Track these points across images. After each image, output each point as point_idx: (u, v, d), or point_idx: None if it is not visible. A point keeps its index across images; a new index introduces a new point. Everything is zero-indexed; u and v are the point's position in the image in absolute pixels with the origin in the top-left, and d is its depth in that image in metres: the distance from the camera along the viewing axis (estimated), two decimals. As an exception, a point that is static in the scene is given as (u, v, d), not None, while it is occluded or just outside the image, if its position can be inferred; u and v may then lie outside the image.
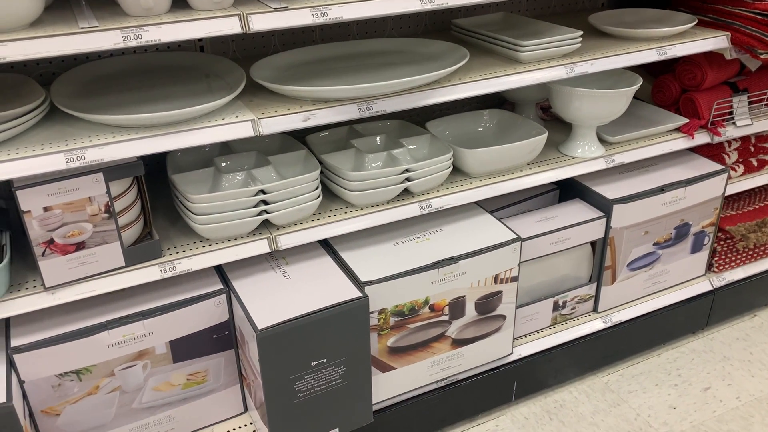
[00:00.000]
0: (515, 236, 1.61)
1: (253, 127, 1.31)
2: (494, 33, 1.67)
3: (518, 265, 1.63)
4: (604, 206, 1.81)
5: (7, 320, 1.35)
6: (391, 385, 1.59)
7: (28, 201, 1.19)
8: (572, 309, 1.89)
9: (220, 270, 1.50)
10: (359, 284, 1.44)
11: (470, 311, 1.61)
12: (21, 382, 1.28)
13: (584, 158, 1.78)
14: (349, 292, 1.42)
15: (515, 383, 1.81)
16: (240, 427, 1.55)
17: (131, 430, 1.45)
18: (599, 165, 1.79)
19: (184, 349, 1.43)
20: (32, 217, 1.20)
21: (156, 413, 1.46)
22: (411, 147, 1.65)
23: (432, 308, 1.55)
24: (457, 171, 1.67)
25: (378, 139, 1.69)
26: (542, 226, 1.74)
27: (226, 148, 1.63)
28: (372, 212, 1.51)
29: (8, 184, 1.57)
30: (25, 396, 1.30)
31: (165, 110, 1.23)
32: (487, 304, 1.63)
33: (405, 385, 1.61)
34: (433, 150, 1.66)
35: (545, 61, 1.61)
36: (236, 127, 1.30)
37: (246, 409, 1.59)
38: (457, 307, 1.58)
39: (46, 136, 1.23)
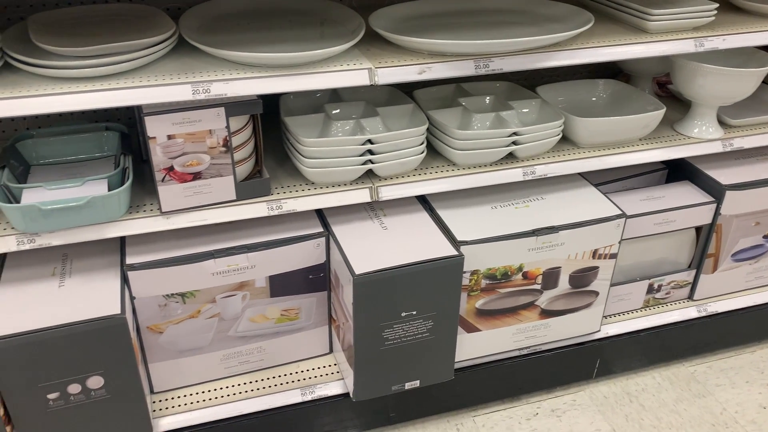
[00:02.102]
0: (620, 212, 1.56)
1: (369, 75, 1.32)
2: (621, -1, 1.59)
3: (619, 243, 1.58)
4: (716, 191, 1.73)
5: (123, 239, 1.45)
6: (474, 346, 1.60)
7: (154, 127, 1.25)
8: (667, 294, 1.83)
9: (320, 214, 1.54)
10: (455, 243, 1.45)
11: (563, 283, 1.59)
12: (132, 298, 1.37)
13: (701, 139, 1.70)
14: (444, 249, 1.42)
15: (598, 361, 1.79)
16: (324, 367, 1.61)
17: (225, 355, 1.53)
18: (716, 148, 1.70)
19: (281, 285, 1.48)
20: (156, 144, 1.26)
21: (249, 343, 1.53)
22: (520, 110, 1.62)
23: (525, 276, 1.54)
24: (565, 139, 1.62)
25: (487, 99, 1.67)
26: (648, 205, 1.68)
27: (335, 95, 1.65)
28: (474, 173, 1.50)
29: (132, 110, 1.68)
30: (134, 311, 1.39)
31: (282, 52, 1.26)
32: (582, 278, 1.60)
33: (488, 348, 1.62)
34: (542, 115, 1.62)
35: (673, 33, 1.53)
36: (353, 74, 1.31)
37: (331, 351, 1.64)
38: (551, 277, 1.56)
39: (174, 67, 1.28)
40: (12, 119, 1.63)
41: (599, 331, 1.73)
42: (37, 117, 1.65)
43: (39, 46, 1.21)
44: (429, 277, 1.40)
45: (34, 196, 1.24)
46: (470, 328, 1.56)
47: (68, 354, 1.26)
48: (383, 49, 1.41)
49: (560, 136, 1.56)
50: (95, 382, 1.31)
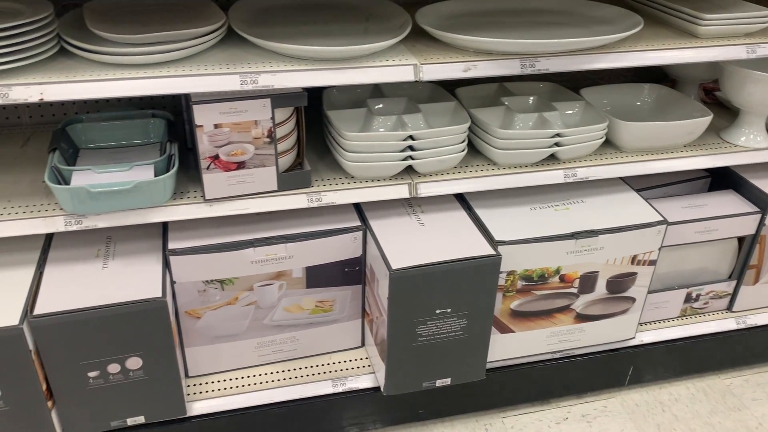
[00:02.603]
0: (661, 219, 1.54)
1: (414, 71, 1.32)
2: (672, 2, 1.57)
3: (659, 249, 1.56)
4: (761, 201, 1.69)
5: (165, 224, 1.47)
6: (506, 347, 1.59)
7: (202, 116, 1.27)
8: (705, 303, 1.80)
9: (358, 208, 1.55)
10: (493, 242, 1.44)
11: (600, 288, 1.57)
12: (172, 283, 1.40)
13: (747, 148, 1.66)
14: (482, 248, 1.42)
15: (631, 368, 1.76)
16: (355, 360, 1.62)
17: (259, 343, 1.55)
18: (763, 157, 1.67)
19: (317, 276, 1.50)
20: (203, 132, 1.28)
21: (283, 332, 1.55)
22: (564, 112, 1.61)
23: (562, 279, 1.52)
24: (608, 143, 1.60)
25: (530, 99, 1.66)
26: (690, 212, 1.65)
27: (377, 91, 1.66)
28: (515, 173, 1.49)
29: (177, 98, 1.71)
30: (174, 296, 1.41)
31: (328, 46, 1.27)
32: (620, 284, 1.58)
33: (520, 350, 1.61)
34: (586, 117, 1.61)
35: (725, 38, 1.50)
36: (399, 70, 1.31)
37: (363, 344, 1.65)
38: (588, 281, 1.55)
39: (223, 58, 1.30)
40: (62, 103, 1.68)
41: (634, 338, 1.71)
42: (86, 102, 1.69)
43: (94, 33, 1.24)
44: (465, 275, 1.39)
45: (83, 178, 1.27)
46: (504, 329, 1.56)
47: (109, 334, 1.29)
48: (429, 45, 1.41)
49: (603, 139, 1.54)
50: (134, 362, 1.34)
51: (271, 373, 1.58)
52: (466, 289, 1.41)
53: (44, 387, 1.30)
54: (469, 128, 1.52)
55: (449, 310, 1.43)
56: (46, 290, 1.30)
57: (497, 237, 1.45)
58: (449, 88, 1.66)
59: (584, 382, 1.76)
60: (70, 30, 1.28)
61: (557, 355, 1.67)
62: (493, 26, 1.49)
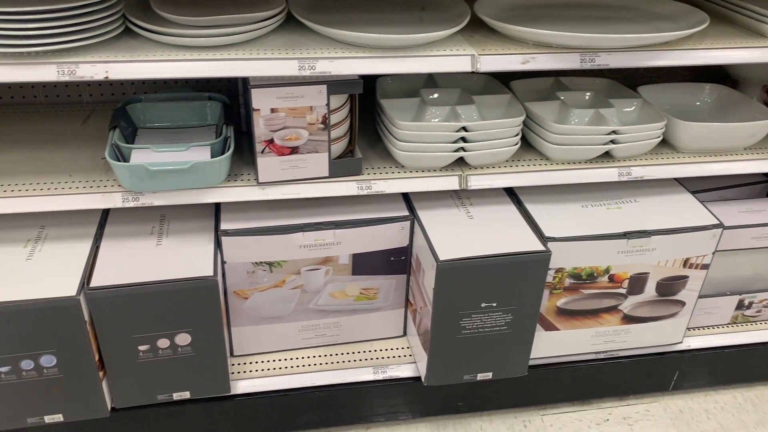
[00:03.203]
0: (717, 222, 1.50)
1: (471, 62, 1.31)
2: (738, 0, 1.52)
3: (713, 254, 1.52)
4: (824, 210, 1.63)
5: (218, 205, 1.50)
6: (550, 345, 1.58)
7: (259, 100, 1.28)
8: (758, 311, 1.75)
9: (406, 198, 1.55)
10: (543, 238, 1.43)
11: (650, 290, 1.54)
12: (223, 263, 1.42)
13: (812, 153, 1.60)
14: (531, 244, 1.41)
15: (677, 373, 1.73)
16: (397, 348, 1.63)
17: (303, 326, 1.57)
18: (828, 163, 1.61)
19: (363, 264, 1.50)
20: (260, 116, 1.30)
21: (327, 317, 1.57)
22: (621, 109, 1.57)
23: (611, 278, 1.50)
24: (665, 143, 1.57)
25: (586, 95, 1.63)
26: (747, 217, 1.61)
27: (430, 81, 1.65)
28: (568, 169, 1.47)
29: (233, 82, 1.73)
30: (224, 275, 1.44)
31: (385, 34, 1.26)
32: (670, 287, 1.55)
33: (564, 348, 1.60)
34: (643, 116, 1.57)
35: (795, 38, 1.45)
36: (456, 60, 1.31)
37: (405, 333, 1.65)
38: (637, 282, 1.52)
39: (282, 43, 1.31)
40: (121, 83, 1.72)
41: (681, 342, 1.67)
42: (144, 82, 1.73)
43: (157, 14, 1.26)
44: (513, 270, 1.38)
45: (142, 156, 1.30)
46: (549, 326, 1.54)
47: (161, 309, 1.32)
48: (487, 36, 1.40)
49: (660, 138, 1.51)
50: (183, 338, 1.37)
51: (314, 356, 1.59)
52: (513, 284, 1.40)
53: (96, 357, 1.34)
54: (523, 122, 1.51)
55: (495, 305, 1.42)
56: (102, 264, 1.34)
57: (547, 233, 1.44)
58: (503, 80, 1.64)
59: (627, 384, 1.73)
60: (135, 11, 1.31)
61: (601, 356, 1.65)
62: (552, 19, 1.47)
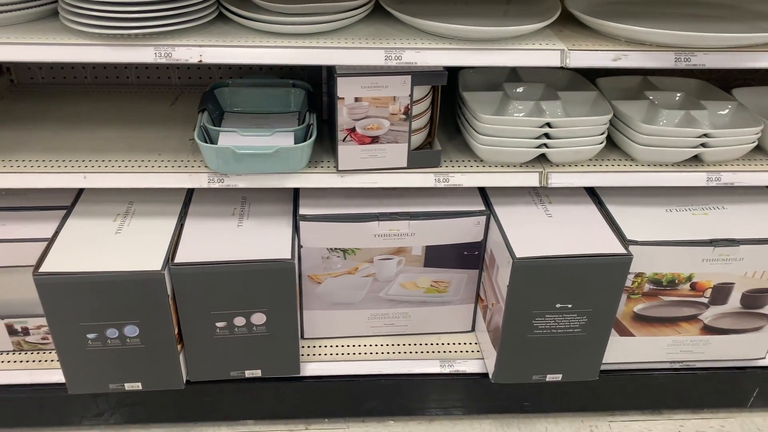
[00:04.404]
0: (813, 235, 1.42)
1: (561, 57, 1.28)
2: None
3: (806, 267, 1.45)
4: None
5: (296, 191, 1.53)
6: (623, 350, 1.54)
7: (344, 89, 1.30)
8: None
9: (483, 192, 1.54)
10: (624, 241, 1.39)
11: (734, 301, 1.48)
12: (299, 247, 1.45)
13: None
14: (612, 246, 1.37)
15: (757, 390, 1.65)
16: (464, 344, 1.62)
17: (372, 314, 1.58)
18: None
19: (436, 256, 1.50)
20: (344, 104, 1.31)
21: (396, 307, 1.57)
22: (713, 111, 1.51)
23: (693, 287, 1.45)
24: (759, 149, 1.49)
25: (677, 96, 1.57)
26: None
27: (513, 75, 1.63)
28: (654, 171, 1.43)
29: (315, 70, 1.76)
30: (299, 259, 1.47)
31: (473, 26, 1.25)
32: (756, 299, 1.48)
33: (638, 355, 1.55)
34: (737, 119, 1.50)
35: None
36: (545, 54, 1.28)
37: (473, 329, 1.65)
38: (721, 292, 1.46)
39: (369, 32, 1.32)
40: (209, 67, 1.77)
41: (764, 358, 1.60)
42: (230, 67, 1.77)
43: (250, 1, 1.29)
44: (591, 272, 1.35)
45: (229, 139, 1.34)
46: (623, 332, 1.50)
47: (239, 288, 1.36)
48: (576, 31, 1.37)
49: (755, 144, 1.43)
50: (258, 318, 1.41)
51: (381, 345, 1.61)
52: (590, 286, 1.37)
53: (176, 331, 1.40)
54: (609, 120, 1.47)
55: (570, 306, 1.39)
56: (186, 241, 1.39)
57: (629, 236, 1.40)
58: (589, 77, 1.60)
59: (702, 397, 1.67)
60: (229, -3, 1.34)
61: (676, 366, 1.59)
62: (645, 16, 1.42)
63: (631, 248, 1.37)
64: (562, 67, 1.29)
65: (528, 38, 1.31)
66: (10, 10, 1.24)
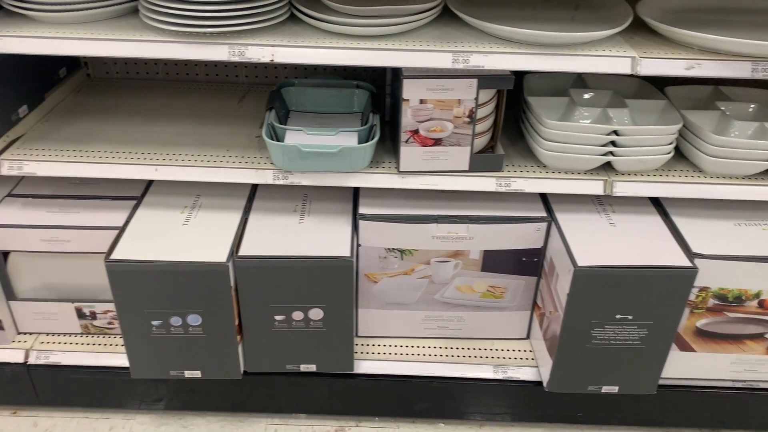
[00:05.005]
0: None
1: (632, 65, 1.26)
2: None
3: None
4: None
5: (357, 190, 1.55)
6: (684, 366, 1.50)
7: (410, 90, 1.31)
8: None
9: (544, 198, 1.52)
10: (690, 254, 1.35)
11: (805, 321, 1.42)
12: (358, 246, 1.47)
13: None
14: (677, 258, 1.34)
15: (824, 416, 1.59)
16: (519, 350, 1.61)
17: (427, 316, 1.59)
18: None
19: (494, 261, 1.50)
20: (409, 106, 1.32)
21: (451, 310, 1.58)
22: (789, 124, 1.46)
23: (761, 304, 1.40)
24: (837, 164, 1.44)
25: (750, 107, 1.52)
26: None
27: (579, 81, 1.60)
28: (723, 183, 1.39)
29: (380, 72, 1.78)
30: (357, 257, 1.49)
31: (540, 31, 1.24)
32: (829, 320, 1.42)
33: (699, 372, 1.51)
34: (814, 133, 1.45)
35: None
36: (615, 61, 1.26)
37: (528, 336, 1.63)
38: (791, 311, 1.41)
39: (436, 35, 1.33)
40: (275, 66, 1.81)
41: (834, 383, 1.54)
42: (295, 67, 1.81)
43: (319, 2, 1.32)
44: (654, 284, 1.33)
45: (295, 137, 1.37)
46: (684, 346, 1.47)
47: (299, 283, 1.39)
48: (648, 39, 1.34)
49: (834, 158, 1.38)
50: (316, 313, 1.43)
51: (434, 347, 1.61)
52: (652, 298, 1.34)
53: (236, 322, 1.43)
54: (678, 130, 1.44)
55: (630, 317, 1.37)
56: (250, 235, 1.42)
57: (695, 249, 1.36)
58: (658, 86, 1.57)
59: (765, 417, 1.61)
60: (300, -2, 1.37)
61: (739, 385, 1.54)
62: (720, 24, 1.38)
63: (697, 261, 1.34)
64: (632, 75, 1.27)
65: (598, 44, 1.30)
66: (92, 8, 1.30)
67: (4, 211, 1.50)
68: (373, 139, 1.37)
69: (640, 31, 1.38)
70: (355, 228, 1.46)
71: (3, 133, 1.44)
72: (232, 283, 1.38)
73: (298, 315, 1.43)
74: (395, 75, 1.41)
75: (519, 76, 1.57)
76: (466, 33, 1.34)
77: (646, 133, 1.35)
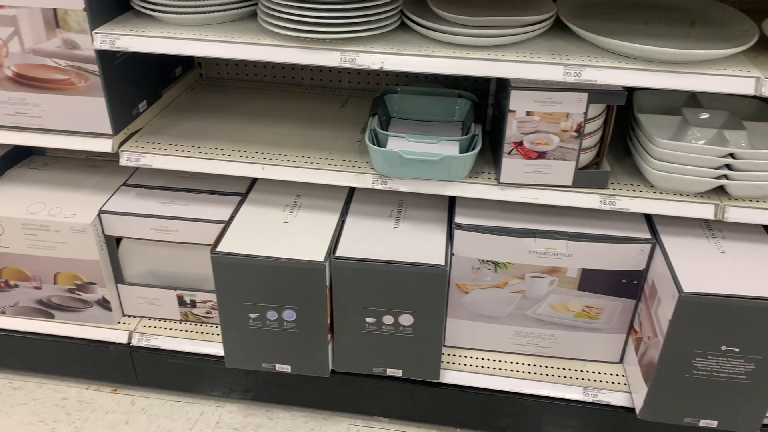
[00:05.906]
0: None
1: (756, 85, 1.20)
2: None
3: None
4: None
5: (453, 199, 1.55)
6: (792, 407, 1.41)
7: (517, 102, 1.30)
8: None
9: (649, 219, 1.47)
10: (808, 288, 1.27)
11: None
12: (451, 255, 1.47)
13: None
14: (793, 291, 1.26)
15: None
16: (610, 374, 1.56)
17: (516, 332, 1.56)
18: None
19: (591, 281, 1.46)
20: (515, 117, 1.31)
21: (542, 327, 1.54)
22: None
23: None
24: None
25: None
26: None
27: (692, 100, 1.54)
28: None
29: (482, 82, 1.77)
30: (450, 267, 1.48)
31: (654, 46, 1.20)
32: None
33: (809, 415, 1.41)
34: None
35: None
36: (736, 81, 1.20)
37: (621, 360, 1.57)
38: None
39: (547, 47, 1.31)
40: (377, 73, 1.84)
41: None
42: (397, 74, 1.83)
43: (429, 11, 1.33)
44: (766, 317, 1.25)
45: (397, 144, 1.39)
46: (795, 386, 1.38)
47: (392, 288, 1.40)
48: (774, 58, 1.28)
49: None
50: (406, 319, 1.44)
51: (523, 363, 1.58)
52: (762, 331, 1.27)
53: (329, 321, 1.46)
54: (801, 156, 1.35)
55: (737, 350, 1.29)
56: (347, 236, 1.45)
57: (814, 283, 1.28)
58: (782, 108, 1.49)
59: None
60: (410, 6, 1.39)
61: None
62: None
63: (817, 297, 1.25)
64: (754, 96, 1.21)
65: (718, 63, 1.24)
66: (215, 11, 1.37)
67: (119, 199, 1.60)
68: (474, 149, 1.37)
69: (765, 50, 1.31)
70: (450, 237, 1.46)
71: (124, 126, 1.53)
72: (328, 283, 1.41)
73: (388, 319, 1.44)
74: (501, 86, 1.40)
75: (629, 92, 1.53)
76: (577, 46, 1.31)
77: (766, 158, 1.27)
